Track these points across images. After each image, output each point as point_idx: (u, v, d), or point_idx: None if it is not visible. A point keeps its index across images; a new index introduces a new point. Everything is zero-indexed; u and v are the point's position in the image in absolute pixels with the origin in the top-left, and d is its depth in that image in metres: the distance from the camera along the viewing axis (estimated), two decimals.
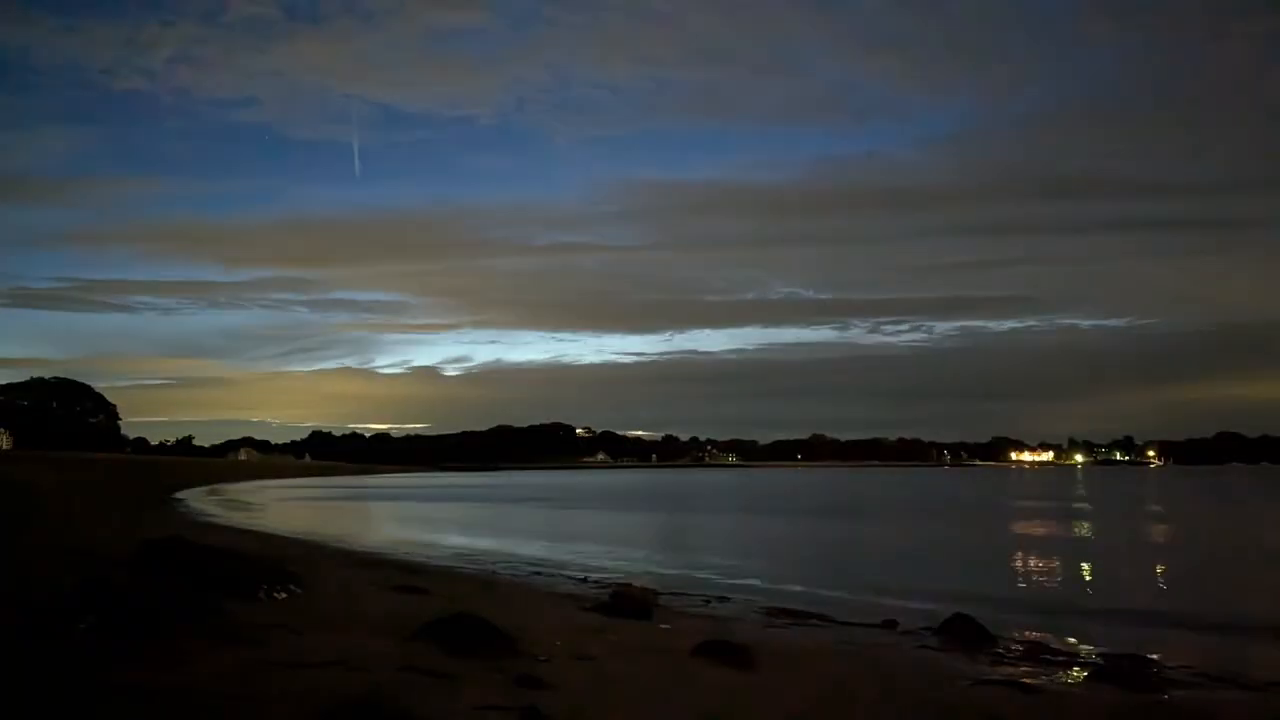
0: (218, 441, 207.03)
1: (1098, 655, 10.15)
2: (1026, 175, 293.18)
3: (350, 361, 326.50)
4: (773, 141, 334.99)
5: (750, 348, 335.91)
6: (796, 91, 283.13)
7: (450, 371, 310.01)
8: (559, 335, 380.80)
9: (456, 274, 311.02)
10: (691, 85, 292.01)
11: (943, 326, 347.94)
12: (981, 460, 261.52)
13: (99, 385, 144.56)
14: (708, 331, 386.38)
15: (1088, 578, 18.98)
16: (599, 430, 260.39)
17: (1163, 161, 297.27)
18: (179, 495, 53.07)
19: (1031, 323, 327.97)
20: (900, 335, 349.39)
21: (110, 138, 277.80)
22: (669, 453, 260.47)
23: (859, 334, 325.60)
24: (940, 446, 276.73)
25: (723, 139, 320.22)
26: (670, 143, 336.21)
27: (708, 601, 14.29)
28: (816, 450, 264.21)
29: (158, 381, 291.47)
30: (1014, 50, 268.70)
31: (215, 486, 70.77)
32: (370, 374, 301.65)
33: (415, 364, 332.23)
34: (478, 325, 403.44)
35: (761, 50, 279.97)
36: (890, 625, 12.14)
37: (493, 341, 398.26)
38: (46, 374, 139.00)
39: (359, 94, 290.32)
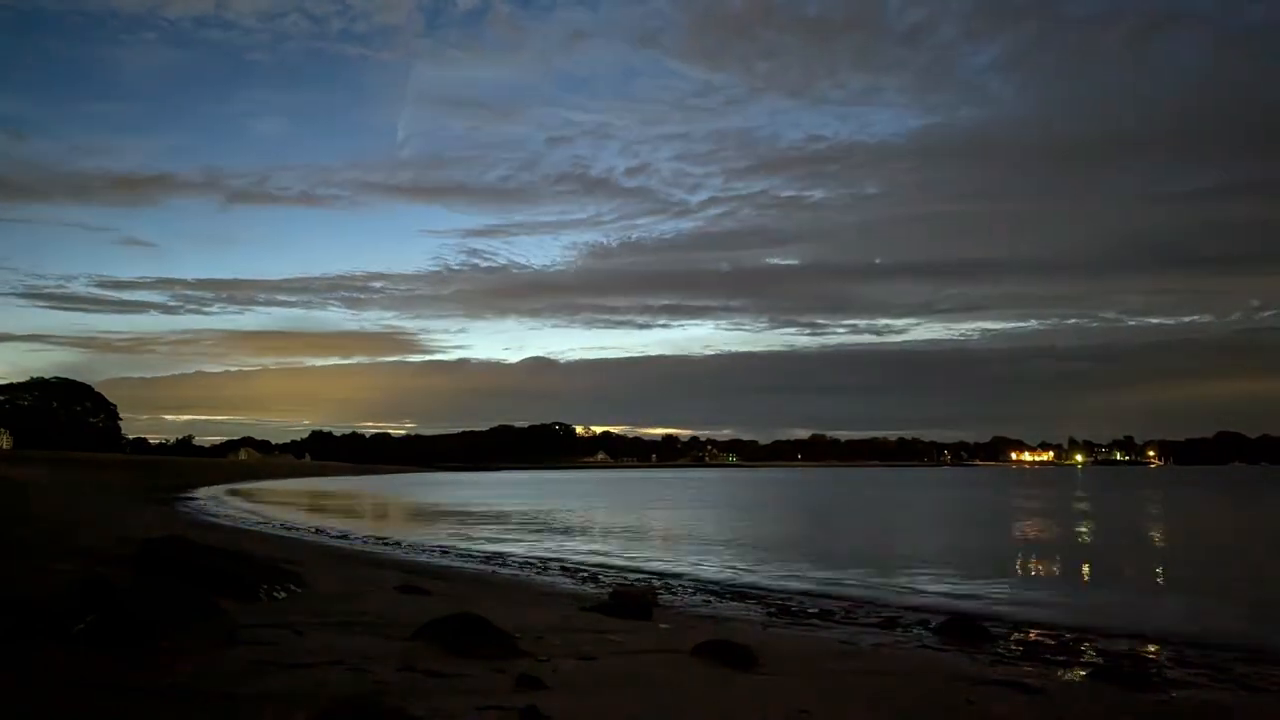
0: (218, 441, 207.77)
1: (1098, 655, 10.15)
2: None
3: (356, 359, 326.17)
4: None
5: (755, 346, 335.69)
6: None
7: (453, 370, 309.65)
8: (566, 330, 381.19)
9: (462, 268, 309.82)
10: None
11: (942, 325, 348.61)
12: (982, 460, 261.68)
13: (99, 383, 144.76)
14: (708, 326, 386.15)
15: (1088, 577, 18.98)
16: (599, 429, 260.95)
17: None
18: (180, 495, 53.09)
19: (1033, 322, 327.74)
20: (901, 334, 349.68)
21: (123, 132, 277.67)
22: (669, 452, 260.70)
23: (860, 332, 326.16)
24: (940, 446, 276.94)
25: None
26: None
27: (708, 601, 14.30)
28: (816, 450, 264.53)
29: (157, 378, 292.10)
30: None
31: (215, 487, 70.82)
32: (373, 372, 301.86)
33: (418, 361, 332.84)
34: (488, 319, 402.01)
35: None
36: (891, 625, 12.16)
37: (501, 334, 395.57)
38: (49, 371, 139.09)
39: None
